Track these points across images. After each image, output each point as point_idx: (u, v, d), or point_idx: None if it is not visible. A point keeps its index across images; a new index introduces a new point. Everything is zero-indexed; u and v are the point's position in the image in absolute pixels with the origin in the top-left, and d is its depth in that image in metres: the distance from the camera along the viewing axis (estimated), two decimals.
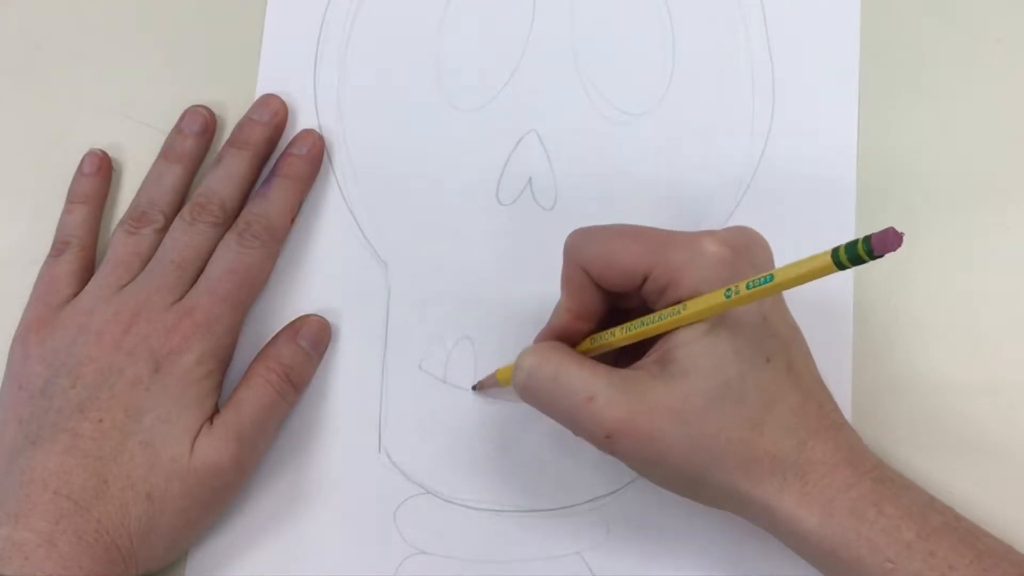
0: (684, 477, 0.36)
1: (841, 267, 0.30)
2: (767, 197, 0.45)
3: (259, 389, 0.42)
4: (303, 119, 0.46)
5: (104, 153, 0.46)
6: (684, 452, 0.35)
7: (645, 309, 0.37)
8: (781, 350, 0.36)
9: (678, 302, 0.36)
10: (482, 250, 0.45)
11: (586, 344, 0.39)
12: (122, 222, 0.44)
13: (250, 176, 0.45)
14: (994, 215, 0.45)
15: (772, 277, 0.32)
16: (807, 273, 0.31)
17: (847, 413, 0.42)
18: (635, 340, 0.37)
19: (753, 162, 0.45)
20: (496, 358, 0.44)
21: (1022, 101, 0.46)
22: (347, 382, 0.44)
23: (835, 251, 0.30)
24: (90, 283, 0.43)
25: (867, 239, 0.29)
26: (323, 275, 0.45)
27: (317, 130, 0.46)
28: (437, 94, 0.47)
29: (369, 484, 0.43)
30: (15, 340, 0.43)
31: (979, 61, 0.46)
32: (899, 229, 0.28)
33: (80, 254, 0.44)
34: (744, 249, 0.36)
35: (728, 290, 0.34)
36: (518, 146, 0.46)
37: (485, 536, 0.42)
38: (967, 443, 0.42)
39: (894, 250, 0.28)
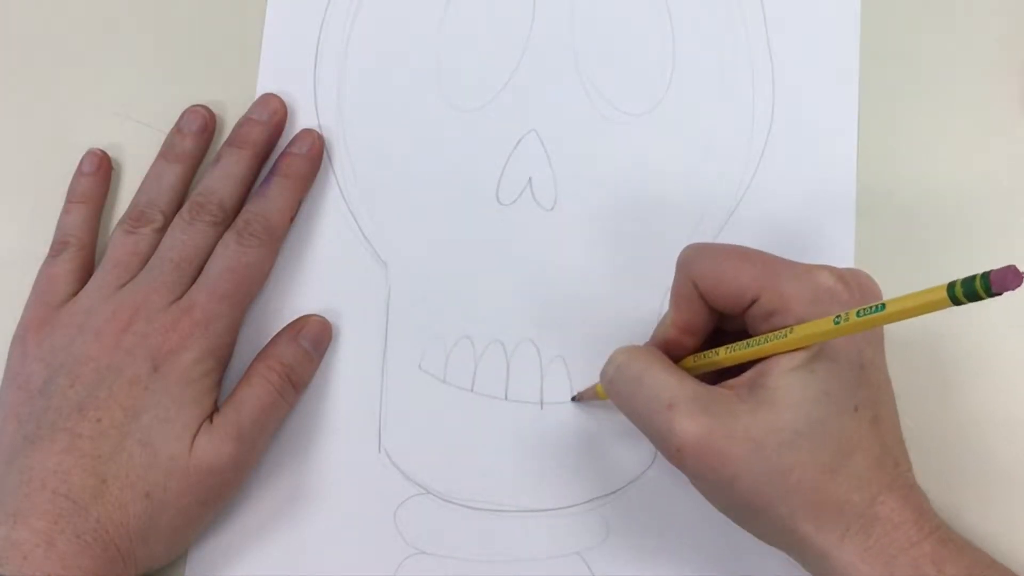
0: (747, 507, 0.36)
1: (956, 303, 0.28)
2: (767, 197, 0.45)
3: (259, 388, 0.42)
4: (303, 119, 0.46)
5: (103, 153, 0.46)
6: (753, 483, 0.35)
7: (745, 334, 0.37)
8: (871, 401, 0.36)
9: (783, 328, 0.35)
10: (482, 250, 0.45)
11: (689, 362, 0.38)
12: (121, 221, 0.44)
13: (249, 175, 0.45)
14: (994, 215, 0.45)
15: (884, 307, 0.31)
16: (921, 306, 0.30)
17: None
18: (739, 361, 0.36)
19: (753, 162, 0.45)
20: (496, 358, 0.44)
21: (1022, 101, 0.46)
22: (347, 382, 0.44)
23: (951, 286, 0.28)
24: (89, 283, 0.43)
25: (985, 276, 0.27)
26: (323, 275, 0.45)
27: (317, 130, 0.46)
28: (437, 94, 0.47)
29: (369, 484, 0.43)
30: (14, 340, 0.43)
31: (979, 61, 0.46)
32: (1020, 269, 0.27)
33: (79, 254, 0.44)
34: (857, 288, 0.36)
35: (837, 317, 0.33)
36: (518, 146, 0.46)
37: (485, 536, 0.42)
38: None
39: (1013, 289, 0.27)
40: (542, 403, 0.43)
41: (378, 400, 0.44)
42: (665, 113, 0.46)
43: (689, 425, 0.35)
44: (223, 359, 0.42)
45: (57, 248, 0.44)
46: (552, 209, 0.45)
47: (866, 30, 0.46)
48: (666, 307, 0.41)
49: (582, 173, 0.46)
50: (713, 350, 0.37)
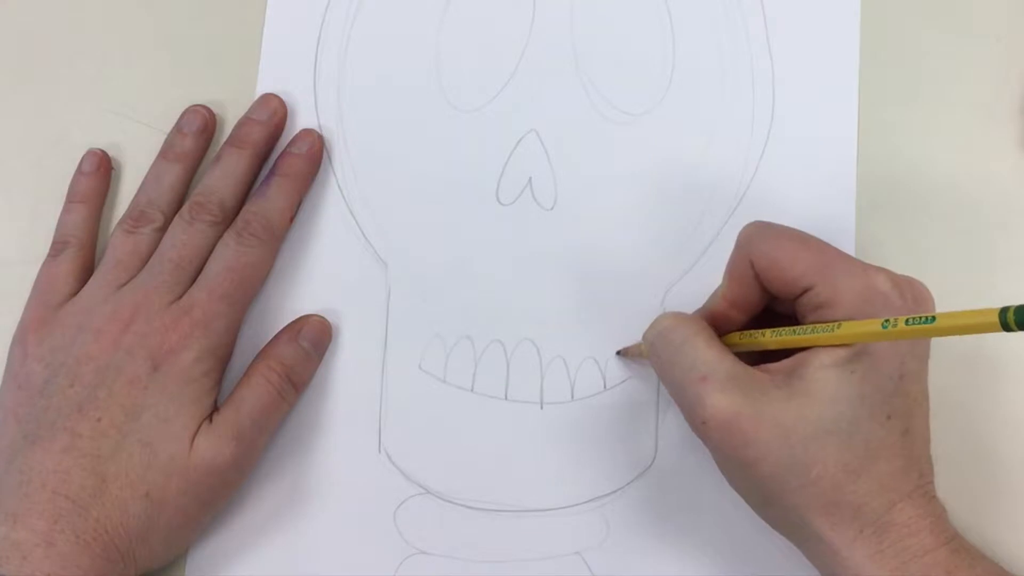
0: (763, 492, 0.36)
1: (1007, 329, 0.28)
2: (767, 197, 0.45)
3: (259, 388, 0.42)
4: (303, 119, 0.46)
5: (103, 152, 0.46)
6: (774, 469, 0.35)
7: (794, 319, 0.37)
8: (905, 413, 0.36)
9: (831, 321, 0.35)
10: (482, 250, 0.45)
11: (734, 338, 0.38)
12: (121, 221, 0.44)
13: (249, 175, 0.45)
14: (995, 215, 0.45)
15: (935, 319, 0.31)
16: (971, 325, 0.30)
17: None
18: (782, 347, 0.36)
19: (753, 162, 0.45)
20: (496, 358, 0.44)
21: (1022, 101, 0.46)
22: (347, 382, 0.44)
23: (1004, 311, 0.28)
24: (89, 282, 0.43)
25: None
26: (323, 275, 0.45)
27: (317, 130, 0.46)
28: (437, 94, 0.47)
29: (369, 484, 0.43)
30: (14, 340, 0.43)
31: (979, 61, 0.46)
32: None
33: (79, 253, 0.44)
34: (912, 299, 0.36)
35: (886, 321, 0.33)
36: (518, 146, 0.46)
37: (485, 536, 0.42)
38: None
39: None
40: (542, 403, 0.43)
41: (378, 400, 0.44)
42: (665, 113, 0.46)
43: (720, 400, 0.35)
44: (223, 359, 0.42)
45: (57, 248, 0.44)
46: (552, 209, 0.45)
47: (866, 30, 0.46)
48: (667, 306, 0.41)
49: (582, 173, 0.45)
50: (760, 331, 0.37)
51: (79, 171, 0.46)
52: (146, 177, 0.45)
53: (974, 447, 0.43)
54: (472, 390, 0.44)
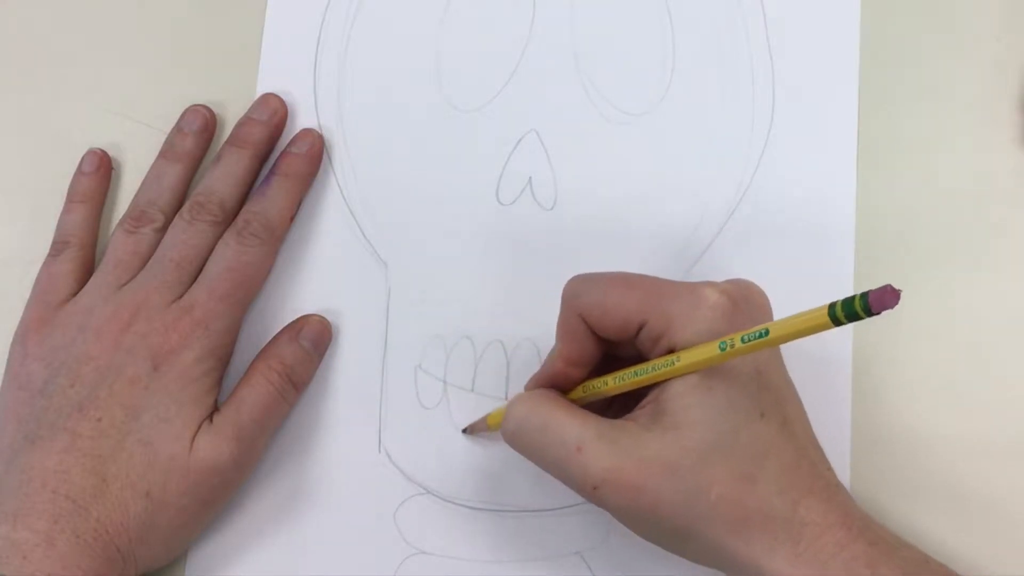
0: (672, 532, 0.35)
1: (837, 323, 0.29)
2: (767, 196, 0.45)
3: (260, 388, 0.42)
4: (303, 119, 0.46)
5: (104, 152, 0.46)
6: (673, 507, 0.34)
7: (639, 357, 0.37)
8: (776, 405, 0.36)
9: (672, 351, 0.35)
10: (482, 250, 0.45)
11: (578, 392, 0.38)
12: (122, 221, 0.44)
13: (249, 175, 0.45)
14: (995, 214, 0.45)
15: (768, 331, 0.32)
16: (803, 329, 0.31)
17: (845, 469, 0.41)
18: (628, 389, 0.37)
19: (753, 162, 0.45)
20: (496, 358, 0.44)
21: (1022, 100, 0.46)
22: (347, 382, 0.44)
23: (832, 307, 0.29)
24: (89, 282, 0.43)
25: (864, 296, 0.28)
26: (323, 275, 0.45)
27: (317, 130, 0.46)
28: (437, 94, 0.47)
29: (369, 484, 0.43)
30: (15, 340, 0.43)
31: (979, 61, 0.46)
32: (896, 286, 0.28)
33: (79, 253, 0.44)
34: (743, 301, 0.36)
35: (723, 342, 0.33)
36: (518, 146, 0.46)
37: (485, 536, 0.42)
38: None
39: (891, 308, 0.28)
40: None
41: (378, 400, 0.44)
42: (665, 113, 0.46)
43: (600, 462, 0.35)
44: (223, 358, 0.42)
45: (57, 248, 0.44)
46: (552, 209, 0.45)
47: (866, 30, 0.46)
48: None
49: (582, 173, 0.46)
50: (601, 379, 0.37)
51: (79, 171, 0.46)
52: (146, 177, 0.45)
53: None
54: (472, 390, 0.44)
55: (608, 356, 0.39)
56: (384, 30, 0.47)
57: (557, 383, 0.39)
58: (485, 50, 0.47)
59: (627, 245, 0.45)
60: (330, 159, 0.46)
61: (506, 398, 0.43)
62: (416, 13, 0.47)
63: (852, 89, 0.46)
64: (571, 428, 0.36)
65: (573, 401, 0.38)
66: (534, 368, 0.41)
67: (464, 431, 0.43)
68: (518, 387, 0.43)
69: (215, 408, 0.41)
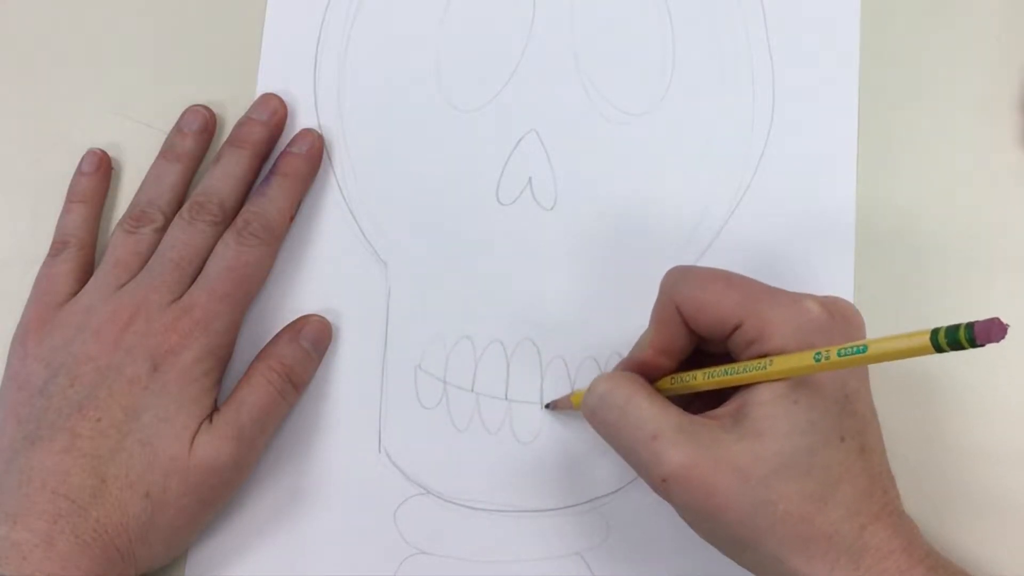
0: (734, 538, 0.35)
1: (939, 350, 0.28)
2: (767, 197, 0.45)
3: (260, 388, 0.42)
4: (303, 119, 0.46)
5: (103, 152, 0.46)
6: (740, 514, 0.34)
7: (728, 357, 0.37)
8: (857, 431, 0.35)
9: (764, 356, 0.35)
10: (482, 250, 0.45)
11: (666, 383, 0.38)
12: (121, 221, 0.44)
13: (249, 175, 0.45)
14: (995, 214, 0.45)
15: (866, 348, 0.31)
16: (903, 350, 0.30)
17: None
18: (716, 387, 0.36)
19: (753, 162, 0.45)
20: (496, 358, 0.44)
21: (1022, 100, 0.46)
22: (347, 382, 0.44)
23: (935, 333, 0.28)
24: (89, 282, 0.43)
25: (970, 327, 0.27)
26: (323, 275, 0.45)
27: (317, 130, 0.46)
28: (437, 94, 0.47)
29: (369, 484, 0.43)
30: (14, 340, 0.43)
31: (979, 61, 0.46)
32: (1004, 320, 0.27)
33: (79, 253, 0.44)
34: (840, 318, 0.35)
35: (818, 353, 0.33)
36: (518, 146, 0.46)
37: (485, 536, 0.42)
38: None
39: (996, 341, 0.27)
40: (542, 403, 0.43)
41: (378, 400, 0.44)
42: (665, 113, 0.46)
43: (675, 455, 0.34)
44: (223, 359, 0.42)
45: (57, 248, 0.44)
46: (552, 209, 0.45)
47: (866, 30, 0.46)
48: None
49: (582, 173, 0.46)
50: (691, 373, 0.37)
51: (79, 171, 0.46)
52: (146, 177, 0.45)
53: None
54: (472, 390, 0.44)
55: (698, 351, 0.38)
56: (384, 30, 0.47)
57: (645, 370, 0.38)
58: (485, 50, 0.47)
59: (627, 245, 0.45)
60: (330, 159, 0.46)
61: (506, 398, 0.44)
62: (416, 13, 0.47)
63: (852, 89, 0.46)
64: (651, 414, 0.35)
65: (659, 391, 0.37)
66: (534, 368, 0.41)
67: (547, 406, 0.43)
68: (518, 387, 0.44)
69: (215, 408, 0.41)
